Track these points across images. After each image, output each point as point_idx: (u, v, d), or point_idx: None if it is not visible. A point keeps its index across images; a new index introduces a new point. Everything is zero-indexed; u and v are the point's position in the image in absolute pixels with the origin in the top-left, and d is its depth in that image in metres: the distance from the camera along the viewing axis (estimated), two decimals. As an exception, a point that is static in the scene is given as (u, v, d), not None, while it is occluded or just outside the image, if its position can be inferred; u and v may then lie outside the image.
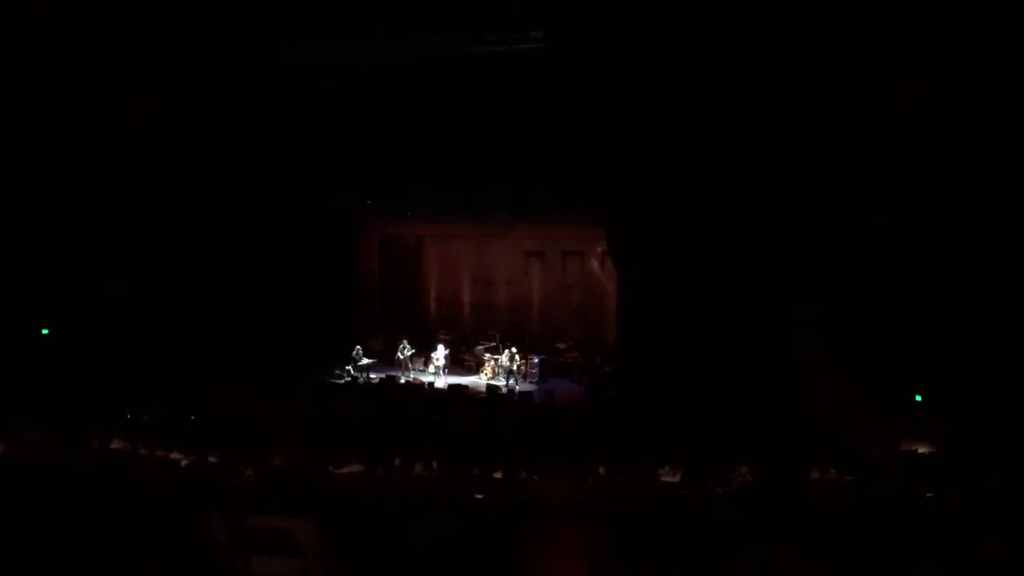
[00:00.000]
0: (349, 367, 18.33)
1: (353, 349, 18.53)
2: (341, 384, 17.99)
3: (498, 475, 10.13)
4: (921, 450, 12.63)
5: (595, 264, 20.84)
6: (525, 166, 15.90)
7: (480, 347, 19.86)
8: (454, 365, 19.22)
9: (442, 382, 18.02)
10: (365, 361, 18.51)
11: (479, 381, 18.27)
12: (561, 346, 20.14)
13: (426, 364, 18.90)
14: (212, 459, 10.57)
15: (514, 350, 18.43)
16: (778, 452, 11.31)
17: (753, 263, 14.49)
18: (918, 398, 13.23)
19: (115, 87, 15.98)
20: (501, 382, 17.96)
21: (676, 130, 14.42)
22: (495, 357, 18.79)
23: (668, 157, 14.62)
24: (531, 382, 18.27)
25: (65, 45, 15.33)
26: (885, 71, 12.80)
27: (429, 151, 16.51)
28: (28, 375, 15.06)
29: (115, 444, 11.01)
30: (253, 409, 15.42)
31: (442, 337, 20.10)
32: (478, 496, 9.24)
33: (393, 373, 18.49)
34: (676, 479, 10.01)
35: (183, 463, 10.43)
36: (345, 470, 10.38)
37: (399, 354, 18.94)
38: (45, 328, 16.98)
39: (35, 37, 15.17)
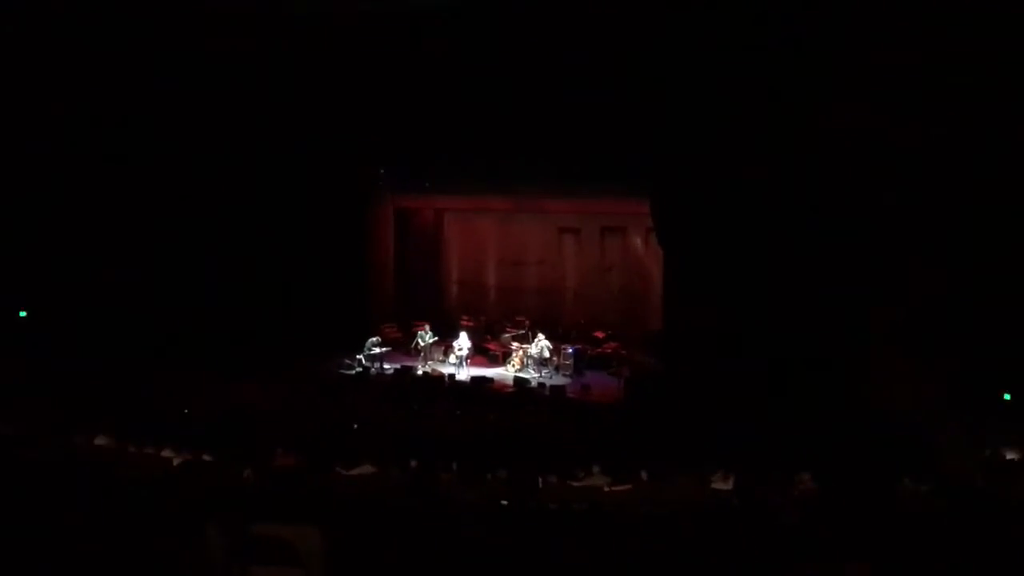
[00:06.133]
0: (360, 357, 18.43)
1: (365, 336, 18.59)
2: (351, 376, 18.10)
3: (526, 479, 10.16)
4: (1009, 456, 12.49)
5: (639, 242, 20.75)
6: (560, 129, 15.71)
7: (507, 335, 19.86)
8: (478, 355, 19.25)
9: (464, 374, 18.07)
10: (378, 350, 18.58)
11: (506, 374, 18.31)
12: (599, 335, 20.09)
13: (446, 354, 18.94)
14: (207, 458, 10.68)
15: (545, 340, 18.42)
16: (845, 457, 11.24)
17: (823, 243, 14.30)
18: (1007, 396, 13.08)
19: (109, 42, 16.04)
20: (531, 375, 17.98)
21: (735, 84, 14.15)
22: (524, 347, 18.80)
23: (725, 117, 14.38)
24: (565, 375, 18.28)
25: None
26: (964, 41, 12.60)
27: (450, 112, 16.29)
28: (3, 363, 15.28)
29: (100, 440, 11.14)
30: (253, 403, 15.57)
31: (464, 324, 20.12)
32: (504, 503, 9.28)
33: (409, 364, 18.57)
34: (728, 486, 9.97)
35: (175, 463, 10.54)
36: (355, 472, 10.44)
37: (417, 342, 19.02)
38: (23, 310, 17.19)
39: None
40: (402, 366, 18.38)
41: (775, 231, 14.50)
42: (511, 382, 17.57)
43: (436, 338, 19.15)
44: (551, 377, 17.98)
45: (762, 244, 14.61)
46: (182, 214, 17.43)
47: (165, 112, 16.68)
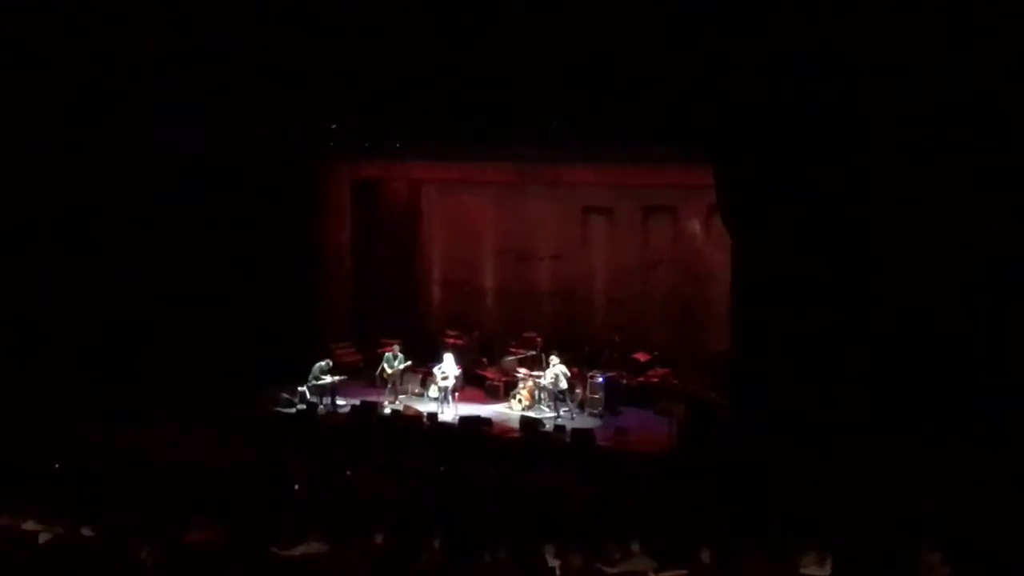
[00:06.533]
0: (304, 389, 18.47)
1: (311, 361, 18.61)
2: (292, 415, 18.12)
3: (537, 561, 10.17)
4: None
5: (696, 227, 20.79)
6: (586, 68, 15.71)
7: (511, 359, 19.88)
8: (469, 386, 19.30)
9: (450, 413, 18.13)
10: (329, 379, 18.61)
11: (509, 412, 18.36)
12: (641, 358, 20.12)
13: (425, 384, 18.99)
14: (88, 533, 10.68)
15: (562, 365, 18.43)
16: (987, 529, 11.24)
17: (948, 228, 14.29)
18: None
19: None
20: (544, 414, 18.00)
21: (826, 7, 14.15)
22: (534, 375, 18.81)
23: (815, 55, 14.39)
24: (592, 414, 18.33)
25: None
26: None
27: (431, 43, 16.25)
28: None
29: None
30: (154, 455, 15.56)
31: (450, 342, 20.15)
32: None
33: (373, 398, 18.61)
34: (825, 571, 9.99)
35: (42, 539, 10.54)
36: (299, 551, 10.45)
37: (384, 368, 19.06)
38: None
39: None
40: (362, 402, 18.39)
41: (895, 212, 14.42)
42: (516, 424, 17.57)
43: (410, 362, 19.21)
44: (573, 417, 18.03)
45: (875, 231, 14.54)
46: (70, 193, 17.37)
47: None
